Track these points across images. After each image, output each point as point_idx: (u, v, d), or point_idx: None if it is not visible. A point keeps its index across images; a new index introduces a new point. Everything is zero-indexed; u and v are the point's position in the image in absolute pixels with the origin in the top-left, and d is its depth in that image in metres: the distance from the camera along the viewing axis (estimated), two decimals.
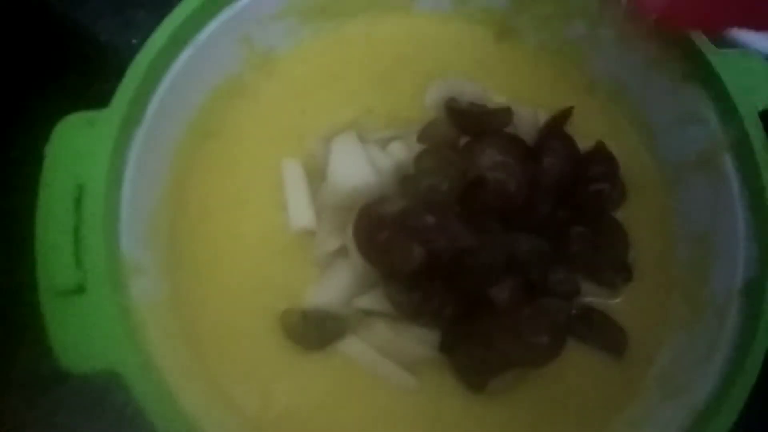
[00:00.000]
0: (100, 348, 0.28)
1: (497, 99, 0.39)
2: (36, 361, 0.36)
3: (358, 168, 0.35)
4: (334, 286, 0.35)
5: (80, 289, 0.28)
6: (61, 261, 0.28)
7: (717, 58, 0.33)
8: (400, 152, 0.36)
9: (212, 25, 0.33)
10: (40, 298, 0.28)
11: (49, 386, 0.36)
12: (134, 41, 0.48)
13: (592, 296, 0.36)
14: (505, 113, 0.37)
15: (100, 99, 0.45)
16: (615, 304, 0.36)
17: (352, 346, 0.34)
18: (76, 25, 0.48)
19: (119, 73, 0.46)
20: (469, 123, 0.37)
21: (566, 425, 0.34)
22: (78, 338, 0.28)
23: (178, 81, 0.33)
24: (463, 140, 0.37)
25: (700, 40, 0.33)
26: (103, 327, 0.28)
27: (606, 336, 0.35)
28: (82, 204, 0.29)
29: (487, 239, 0.33)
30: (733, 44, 0.41)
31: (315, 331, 0.34)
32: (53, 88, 0.46)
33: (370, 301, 0.34)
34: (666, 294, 0.35)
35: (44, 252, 0.28)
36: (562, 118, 0.37)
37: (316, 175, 0.36)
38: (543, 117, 0.38)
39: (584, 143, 0.37)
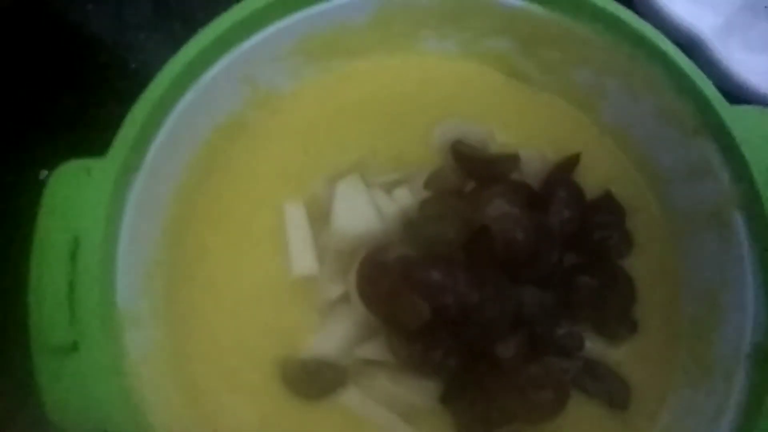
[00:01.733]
0: (94, 408, 0.27)
1: (504, 141, 0.38)
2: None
3: (362, 214, 0.35)
4: (335, 334, 0.34)
5: (74, 347, 0.27)
6: (55, 317, 0.27)
7: (729, 112, 0.32)
8: (405, 197, 0.36)
9: (216, 68, 0.32)
10: (32, 354, 0.27)
11: None
12: (133, 65, 0.47)
13: (596, 348, 0.35)
14: (512, 160, 0.36)
15: (97, 125, 0.45)
16: (619, 357, 0.35)
17: (352, 396, 0.33)
18: (74, 45, 0.47)
19: (117, 97, 0.45)
20: (475, 168, 0.36)
21: None
22: (70, 397, 0.27)
23: (179, 125, 0.32)
24: (469, 185, 0.36)
25: (712, 94, 0.33)
26: (97, 386, 0.27)
27: (609, 389, 0.34)
28: (78, 257, 0.28)
29: (492, 293, 0.32)
30: (744, 90, 0.41)
31: (314, 380, 0.33)
32: (49, 111, 0.45)
33: (371, 350, 0.34)
34: (671, 349, 0.35)
35: (37, 307, 0.27)
36: (569, 165, 0.37)
37: (319, 218, 0.36)
38: (550, 160, 0.37)
39: (591, 190, 0.37)
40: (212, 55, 0.32)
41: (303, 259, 0.35)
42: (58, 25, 0.48)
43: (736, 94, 0.39)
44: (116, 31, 0.48)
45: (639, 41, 0.33)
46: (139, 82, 0.41)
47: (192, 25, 0.48)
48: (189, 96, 0.32)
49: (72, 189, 0.29)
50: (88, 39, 0.48)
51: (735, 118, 0.32)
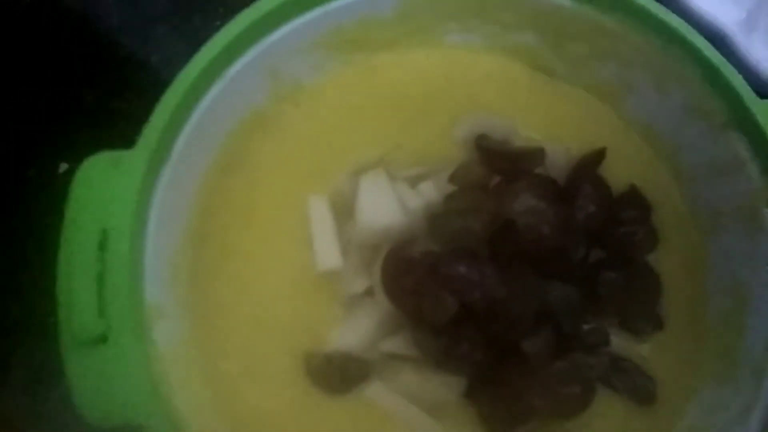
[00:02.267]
0: (122, 401, 0.27)
1: (528, 135, 0.38)
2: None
3: (386, 207, 0.35)
4: (359, 328, 0.34)
5: (103, 339, 0.27)
6: (83, 309, 0.27)
7: (760, 107, 0.32)
8: (430, 192, 0.35)
9: (241, 61, 0.32)
10: (61, 347, 0.27)
11: None
12: (153, 58, 0.47)
13: (622, 343, 0.35)
14: (538, 154, 0.36)
15: (117, 119, 0.45)
16: (644, 352, 0.35)
17: (376, 390, 0.33)
18: (94, 40, 0.47)
19: (138, 91, 0.45)
20: (500, 163, 0.36)
21: None
22: (100, 390, 0.27)
23: (205, 119, 0.32)
24: (494, 180, 0.36)
25: (742, 88, 0.32)
26: (126, 378, 0.27)
27: (634, 385, 0.34)
28: (107, 249, 0.28)
29: (519, 288, 0.32)
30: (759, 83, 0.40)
31: (338, 374, 0.33)
32: (70, 105, 0.45)
33: (395, 344, 0.34)
34: (698, 345, 0.34)
35: (66, 300, 0.27)
36: (594, 160, 0.36)
37: (343, 212, 0.35)
38: (575, 155, 0.37)
39: (617, 185, 0.36)
40: (238, 48, 0.32)
41: (327, 253, 0.35)
42: (77, 21, 0.48)
43: (759, 89, 0.38)
44: (135, 25, 0.48)
45: (669, 35, 0.33)
46: (158, 77, 0.41)
47: (212, 18, 0.48)
48: (215, 89, 0.32)
49: (100, 181, 0.28)
50: (108, 34, 0.48)
51: (765, 112, 0.32)
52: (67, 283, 0.27)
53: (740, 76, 0.32)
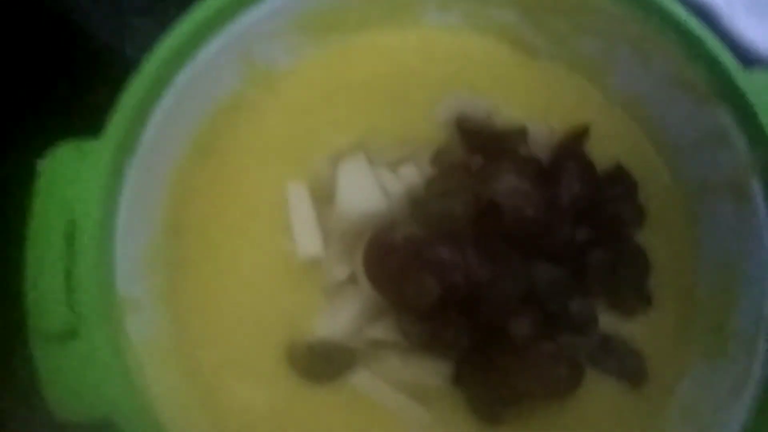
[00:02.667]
0: (93, 395, 0.26)
1: (510, 115, 0.37)
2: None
3: (367, 192, 0.34)
4: (342, 316, 0.33)
5: (72, 332, 0.26)
6: (52, 303, 0.26)
7: (744, 77, 0.31)
8: (411, 175, 0.35)
9: (212, 44, 0.31)
10: (29, 341, 0.26)
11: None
12: (128, 50, 0.46)
13: (610, 323, 0.34)
14: (520, 133, 0.35)
15: (91, 112, 0.43)
16: (634, 331, 0.34)
17: (361, 378, 0.33)
18: (68, 30, 0.46)
19: (111, 84, 0.44)
20: (482, 143, 0.35)
21: None
22: (70, 384, 0.26)
23: (175, 104, 0.31)
24: (476, 161, 0.35)
25: (726, 59, 0.32)
26: (97, 372, 0.26)
27: (624, 364, 0.34)
28: (75, 241, 0.27)
29: (503, 270, 0.31)
30: (754, 58, 0.40)
31: (322, 363, 0.33)
32: (43, 99, 0.44)
33: (380, 331, 0.33)
34: (688, 322, 0.34)
35: (33, 293, 0.26)
36: (578, 137, 0.35)
37: (323, 199, 0.35)
38: (558, 133, 0.36)
39: (602, 163, 0.36)
40: (207, 31, 0.31)
41: (308, 240, 0.34)
42: (50, 12, 0.46)
43: (743, 59, 0.38)
44: (110, 16, 0.47)
45: (651, 7, 0.32)
46: (133, 68, 0.40)
47: (188, 8, 0.48)
48: (185, 74, 0.31)
49: (67, 171, 0.28)
50: (81, 25, 0.47)
51: (749, 82, 0.31)
52: (34, 276, 0.26)
53: (723, 46, 0.32)
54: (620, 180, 0.36)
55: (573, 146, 0.36)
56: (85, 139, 0.29)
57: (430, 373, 0.33)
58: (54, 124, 0.43)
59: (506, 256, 0.32)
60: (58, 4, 0.46)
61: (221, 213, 0.34)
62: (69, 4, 0.46)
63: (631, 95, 0.36)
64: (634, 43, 0.34)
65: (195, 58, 0.31)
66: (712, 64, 0.32)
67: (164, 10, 0.47)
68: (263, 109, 0.35)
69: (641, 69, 0.35)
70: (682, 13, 0.32)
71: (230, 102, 0.35)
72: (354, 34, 0.36)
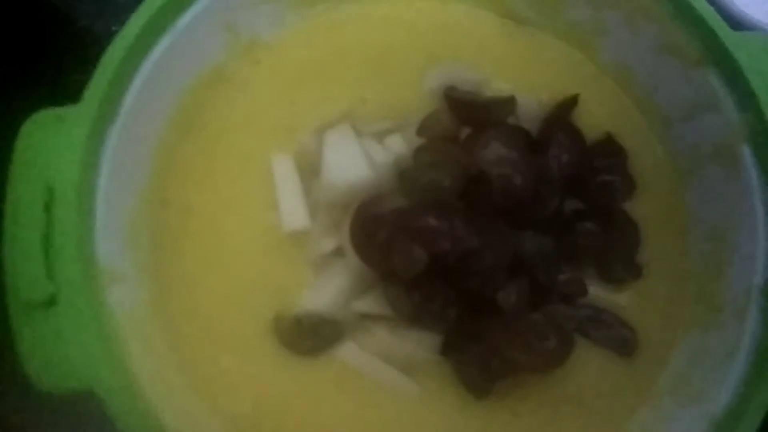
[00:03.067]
0: (74, 366, 0.26)
1: (499, 86, 0.36)
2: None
3: (353, 163, 0.33)
4: (329, 288, 0.33)
5: (52, 302, 0.26)
6: (30, 271, 0.26)
7: (734, 40, 0.31)
8: (398, 146, 0.34)
9: (191, 11, 0.31)
10: (8, 310, 0.26)
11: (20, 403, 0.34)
12: (114, 28, 0.45)
13: (601, 294, 0.34)
14: (508, 103, 0.35)
15: (76, 91, 0.43)
16: (625, 302, 0.34)
17: (349, 351, 0.32)
18: (53, 9, 0.46)
19: (95, 62, 0.43)
20: (470, 114, 0.35)
21: (573, 430, 0.32)
22: (50, 355, 0.26)
23: (156, 72, 0.30)
24: (464, 132, 0.35)
25: (715, 21, 0.31)
26: (77, 343, 0.26)
27: (615, 335, 0.33)
28: (53, 209, 0.26)
29: (491, 239, 0.31)
30: (750, 25, 0.39)
31: (310, 336, 0.32)
32: (27, 77, 0.43)
33: (368, 304, 0.33)
34: (679, 292, 0.33)
35: (12, 262, 0.26)
36: (567, 107, 0.35)
37: (309, 171, 0.34)
38: (547, 104, 0.36)
39: (591, 134, 0.35)
40: None
41: (294, 213, 0.34)
42: None
43: (734, 22, 0.37)
44: None
45: None
46: None
47: None
48: (165, 41, 0.30)
49: (45, 137, 0.27)
50: (68, 4, 0.46)
51: (739, 44, 0.31)
52: (11, 243, 0.26)
53: (712, 8, 0.31)
54: (610, 150, 0.35)
55: (562, 117, 0.35)
56: (62, 108, 0.28)
57: (419, 345, 0.32)
58: (38, 103, 0.43)
59: (494, 226, 0.31)
60: None
61: (206, 186, 0.33)
62: None
63: (620, 64, 0.36)
64: (623, 10, 0.34)
65: (175, 26, 0.31)
66: (701, 26, 0.31)
67: None
68: (248, 80, 0.35)
69: (630, 35, 0.34)
70: None
71: (214, 73, 0.34)
72: (337, 5, 0.36)
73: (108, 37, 0.44)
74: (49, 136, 0.27)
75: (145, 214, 0.32)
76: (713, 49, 0.31)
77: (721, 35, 0.31)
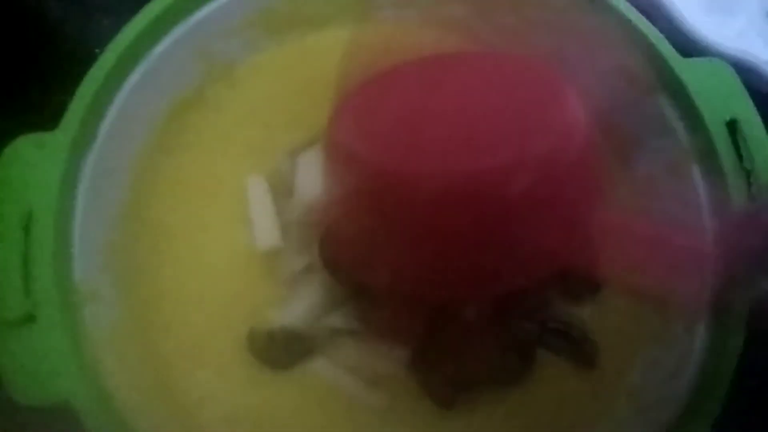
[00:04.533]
0: (50, 380, 0.27)
1: None
2: None
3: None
4: (301, 304, 0.34)
5: (30, 319, 0.27)
6: (8, 290, 0.27)
7: (683, 66, 0.32)
8: None
9: (167, 40, 0.32)
10: None
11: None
12: (97, 50, 0.47)
13: (562, 307, 0.35)
14: None
15: (60, 113, 0.44)
16: (585, 315, 0.35)
17: (320, 365, 0.33)
18: (38, 31, 0.47)
19: (79, 83, 0.45)
20: None
21: None
22: (28, 370, 0.27)
23: (133, 98, 0.32)
24: None
25: (665, 48, 0.33)
26: (54, 358, 0.27)
27: (576, 347, 0.34)
28: (31, 231, 0.28)
29: None
30: (710, 53, 0.41)
31: (282, 351, 0.33)
32: (11, 100, 0.44)
33: (338, 319, 0.34)
34: (637, 307, 0.34)
35: None
36: None
37: (282, 192, 0.36)
38: None
39: None
40: (163, 26, 0.32)
41: (267, 232, 0.35)
42: (20, 12, 0.47)
43: (694, 51, 0.39)
44: (80, 17, 0.47)
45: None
46: None
47: None
48: (141, 68, 0.32)
49: (25, 163, 0.29)
50: (52, 26, 0.47)
51: (690, 70, 0.32)
52: None
53: (662, 36, 0.33)
54: None
55: None
56: (42, 133, 0.29)
57: (388, 359, 0.33)
58: (22, 124, 0.44)
59: None
60: (25, 6, 0.47)
61: (181, 205, 0.35)
62: (37, 6, 0.47)
63: (580, 87, 0.37)
64: (579, 36, 0.35)
65: (152, 53, 0.32)
66: (651, 52, 0.33)
67: (132, 11, 0.48)
68: (223, 103, 0.36)
69: (587, 61, 0.36)
70: (622, 4, 0.33)
71: (190, 96, 0.35)
72: (312, 30, 0.37)
73: (91, 59, 0.46)
74: (28, 161, 0.28)
75: (122, 234, 0.33)
76: (664, 75, 0.33)
77: (670, 62, 0.32)
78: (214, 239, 0.35)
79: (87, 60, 0.46)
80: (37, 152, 0.29)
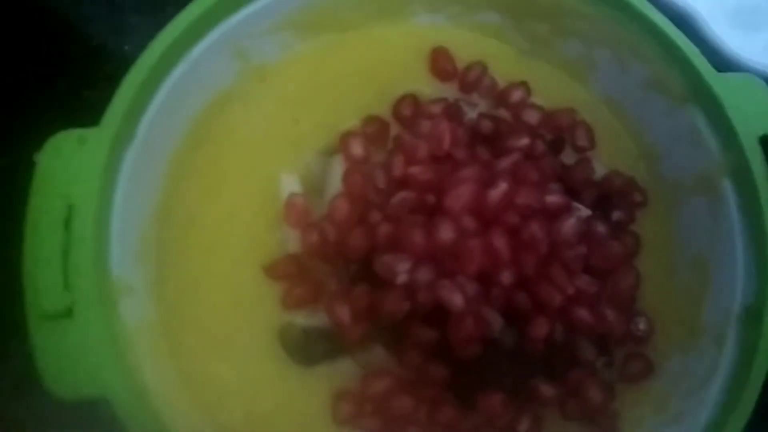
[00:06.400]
0: (88, 374, 0.27)
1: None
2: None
3: None
4: None
5: (68, 313, 0.27)
6: (49, 284, 0.27)
7: (717, 81, 0.33)
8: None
9: (206, 41, 0.33)
10: (27, 320, 0.27)
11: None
12: (126, 47, 0.47)
13: None
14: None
15: (90, 107, 0.44)
16: None
17: (345, 366, 0.34)
18: (67, 28, 0.47)
19: (110, 80, 0.44)
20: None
21: None
22: (66, 363, 0.27)
23: (171, 97, 0.32)
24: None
25: (700, 62, 0.33)
26: (91, 352, 0.27)
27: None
28: (72, 225, 0.28)
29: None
30: (735, 66, 0.41)
31: (314, 347, 0.34)
32: (42, 95, 0.45)
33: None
34: (664, 318, 0.35)
35: (32, 274, 0.27)
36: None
37: (313, 190, 0.36)
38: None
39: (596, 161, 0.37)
40: (201, 28, 0.32)
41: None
42: (50, 10, 0.47)
43: (722, 65, 0.39)
44: (108, 14, 0.48)
45: (626, 10, 0.34)
46: (131, 65, 0.41)
47: (184, 6, 0.48)
48: (180, 68, 0.32)
49: (66, 158, 0.29)
50: (81, 23, 0.47)
51: (724, 85, 0.33)
52: (32, 258, 0.27)
53: (698, 50, 0.33)
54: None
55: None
56: (83, 129, 0.30)
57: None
58: (53, 119, 0.44)
59: None
60: (57, 4, 0.47)
61: (213, 201, 0.35)
62: (66, 3, 0.48)
63: (613, 96, 0.38)
64: (613, 46, 0.36)
65: (190, 54, 0.32)
66: (686, 67, 0.33)
67: (161, 8, 0.48)
68: (255, 101, 0.36)
69: (620, 71, 0.36)
70: (658, 17, 0.33)
71: (224, 95, 0.36)
72: (345, 31, 0.38)
73: (120, 55, 0.47)
74: (70, 156, 0.29)
75: (154, 228, 0.33)
76: (697, 88, 0.33)
77: (705, 76, 0.32)
78: (244, 235, 0.35)
79: (116, 57, 0.47)
80: (78, 147, 0.29)
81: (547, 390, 0.32)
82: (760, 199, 0.31)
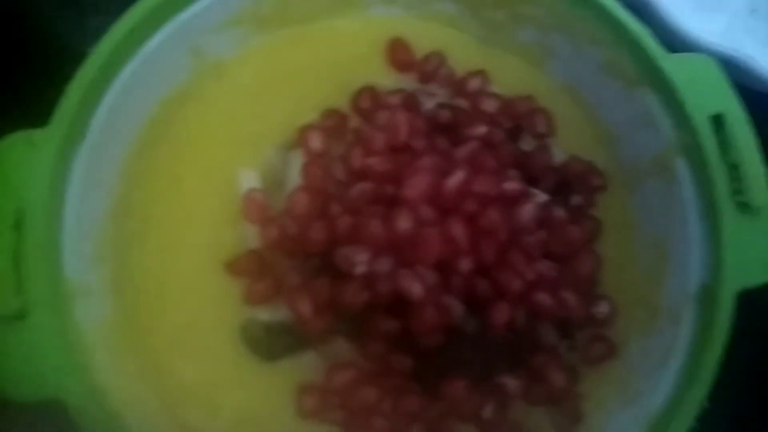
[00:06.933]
0: (42, 375, 0.27)
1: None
2: None
3: None
4: None
5: (21, 315, 0.27)
6: (0, 287, 0.27)
7: (668, 62, 0.33)
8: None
9: (157, 37, 0.32)
10: None
11: None
12: (88, 49, 0.47)
13: None
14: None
15: (49, 108, 0.44)
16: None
17: (309, 360, 0.34)
18: (29, 29, 0.47)
19: (69, 81, 0.45)
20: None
21: None
22: (20, 365, 0.27)
23: (123, 95, 0.32)
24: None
25: (650, 44, 0.33)
26: (45, 353, 0.27)
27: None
28: (23, 229, 0.28)
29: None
30: (696, 49, 0.41)
31: (275, 342, 0.34)
32: (3, 95, 0.45)
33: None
34: (624, 300, 0.35)
35: None
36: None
37: (273, 185, 0.36)
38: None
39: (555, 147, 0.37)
40: (152, 23, 0.32)
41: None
42: (10, 12, 0.47)
43: (680, 47, 0.39)
44: (71, 16, 0.47)
45: None
46: None
47: None
48: (131, 66, 0.32)
49: (15, 160, 0.29)
50: (42, 25, 0.47)
51: (676, 66, 0.33)
52: None
53: (648, 31, 0.33)
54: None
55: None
56: (32, 130, 0.29)
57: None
58: (13, 119, 0.44)
59: None
60: (15, 7, 0.47)
61: (171, 199, 0.35)
62: (28, 5, 0.47)
63: (569, 80, 0.38)
64: (568, 31, 0.36)
65: (141, 50, 0.32)
66: (637, 49, 0.33)
67: (123, 9, 0.48)
68: (211, 97, 0.36)
69: (576, 56, 0.36)
70: (608, 1, 0.33)
71: (178, 92, 0.35)
72: (299, 26, 0.38)
73: (82, 56, 0.46)
74: (19, 158, 0.29)
75: (111, 228, 0.33)
76: (649, 71, 0.33)
77: (655, 57, 0.33)
78: (203, 233, 0.35)
79: (77, 58, 0.46)
80: (27, 149, 0.29)
81: (511, 383, 0.32)
82: (711, 177, 0.31)
